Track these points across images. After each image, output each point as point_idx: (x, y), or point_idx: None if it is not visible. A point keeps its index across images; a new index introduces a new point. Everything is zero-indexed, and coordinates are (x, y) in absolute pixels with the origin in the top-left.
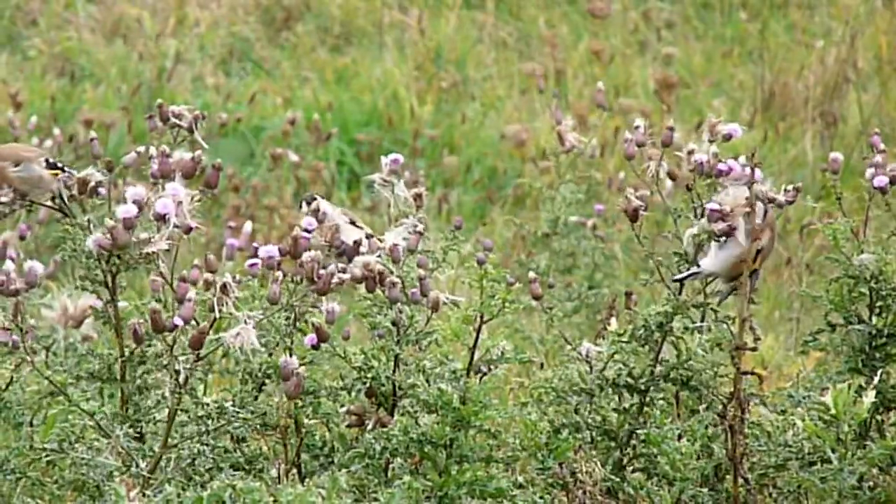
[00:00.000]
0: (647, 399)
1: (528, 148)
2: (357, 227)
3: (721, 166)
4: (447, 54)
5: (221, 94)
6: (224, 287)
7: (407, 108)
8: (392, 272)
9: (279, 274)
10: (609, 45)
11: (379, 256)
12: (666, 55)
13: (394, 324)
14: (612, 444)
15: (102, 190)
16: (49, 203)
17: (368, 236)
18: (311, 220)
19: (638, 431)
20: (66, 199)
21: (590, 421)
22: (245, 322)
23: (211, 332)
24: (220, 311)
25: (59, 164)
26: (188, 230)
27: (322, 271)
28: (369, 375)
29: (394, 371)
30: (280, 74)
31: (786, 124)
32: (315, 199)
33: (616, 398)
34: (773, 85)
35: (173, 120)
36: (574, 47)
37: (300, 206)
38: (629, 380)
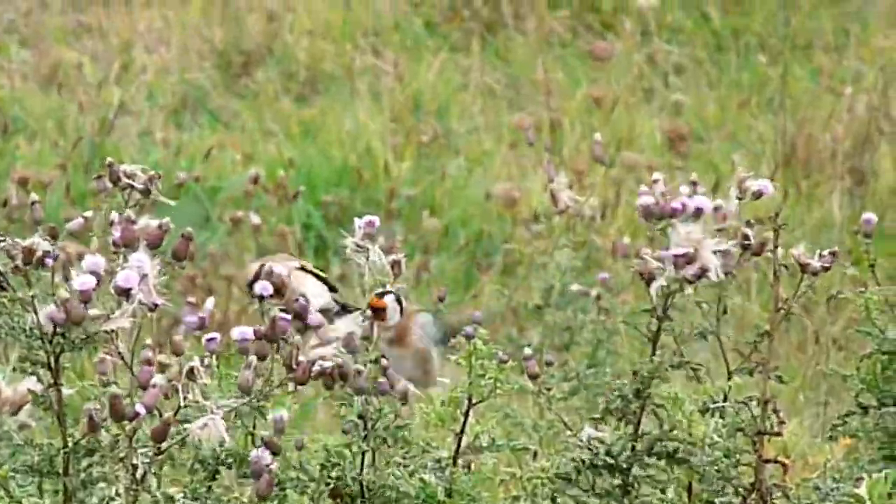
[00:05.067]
0: (631, 479)
1: (518, 209)
2: (313, 273)
3: (675, 205)
4: (427, 103)
5: (172, 150)
6: (191, 371)
7: (382, 165)
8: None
9: (253, 359)
10: (611, 92)
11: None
12: (675, 103)
13: (360, 417)
14: None
15: (50, 260)
16: None
17: (332, 289)
18: (266, 285)
19: None
20: (2, 271)
21: None
22: (213, 412)
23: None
24: (185, 398)
25: None
26: (153, 307)
27: (301, 359)
28: (333, 475)
29: (361, 470)
30: (239, 127)
31: (810, 181)
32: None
33: (588, 480)
34: (795, 137)
35: (125, 181)
36: (571, 95)
37: (250, 287)
38: (608, 459)
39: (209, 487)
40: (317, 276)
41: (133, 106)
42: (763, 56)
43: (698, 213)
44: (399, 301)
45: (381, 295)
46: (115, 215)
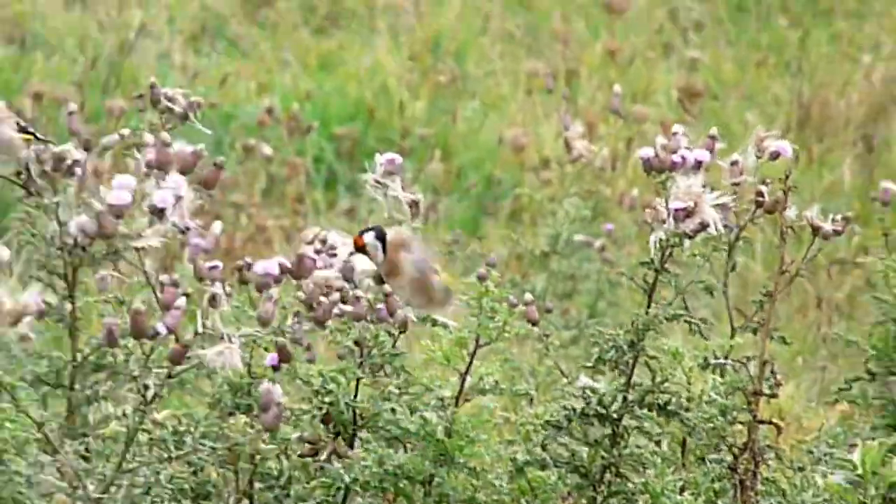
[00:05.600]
0: (621, 429)
1: (528, 155)
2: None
3: (675, 158)
4: (446, 44)
5: (189, 75)
6: (213, 298)
7: (397, 103)
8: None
9: (274, 291)
10: (629, 46)
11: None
12: (691, 59)
13: (357, 343)
14: (584, 481)
15: (79, 170)
16: (12, 177)
17: None
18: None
19: (612, 466)
20: (34, 175)
21: (557, 457)
22: (231, 340)
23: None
24: (204, 324)
25: (31, 130)
26: (185, 230)
27: (323, 299)
28: (326, 400)
29: (354, 396)
30: (256, 56)
31: (823, 146)
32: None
33: (582, 430)
34: (810, 101)
35: (165, 103)
36: (590, 45)
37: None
38: (599, 408)
39: (221, 427)
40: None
41: (153, 28)
42: (784, 18)
43: (698, 165)
44: (382, 237)
45: (363, 233)
46: (148, 136)
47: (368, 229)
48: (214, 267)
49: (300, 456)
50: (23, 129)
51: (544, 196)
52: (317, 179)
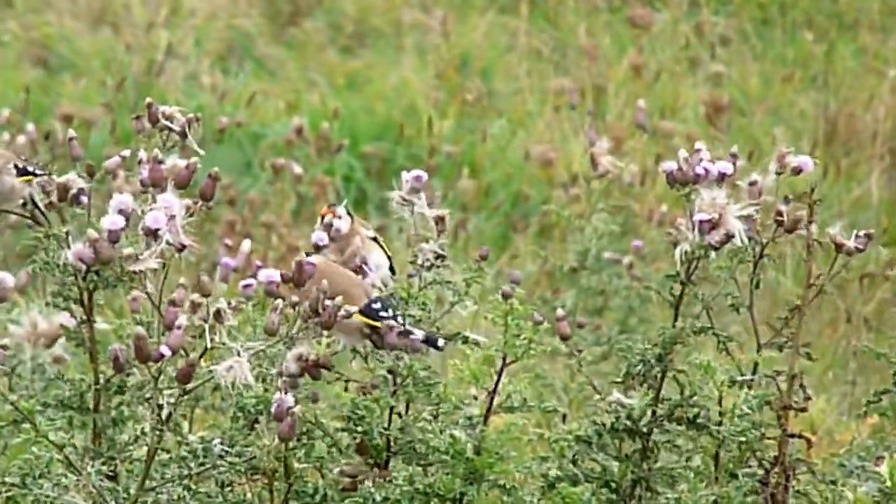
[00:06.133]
0: (651, 444)
1: (556, 171)
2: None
3: (698, 170)
4: (473, 62)
5: (217, 95)
6: (218, 313)
7: (425, 121)
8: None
9: (279, 302)
10: (655, 61)
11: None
12: (716, 74)
13: (390, 372)
14: (615, 496)
15: (84, 198)
16: (19, 210)
17: (391, 269)
18: (322, 236)
19: (643, 480)
20: (39, 205)
21: (588, 472)
22: (239, 354)
23: (200, 363)
24: (212, 340)
25: (31, 169)
26: (181, 248)
27: (328, 303)
28: (360, 429)
29: (388, 425)
30: (284, 76)
31: (850, 160)
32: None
33: (615, 445)
34: (837, 115)
35: (164, 122)
36: (617, 61)
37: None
38: (628, 423)
39: (246, 436)
40: (387, 254)
41: (180, 49)
42: (809, 32)
43: (722, 178)
44: (350, 214)
45: (332, 206)
46: (142, 154)
47: (334, 204)
48: (249, 285)
49: (342, 490)
50: (22, 172)
51: (573, 212)
52: (347, 198)
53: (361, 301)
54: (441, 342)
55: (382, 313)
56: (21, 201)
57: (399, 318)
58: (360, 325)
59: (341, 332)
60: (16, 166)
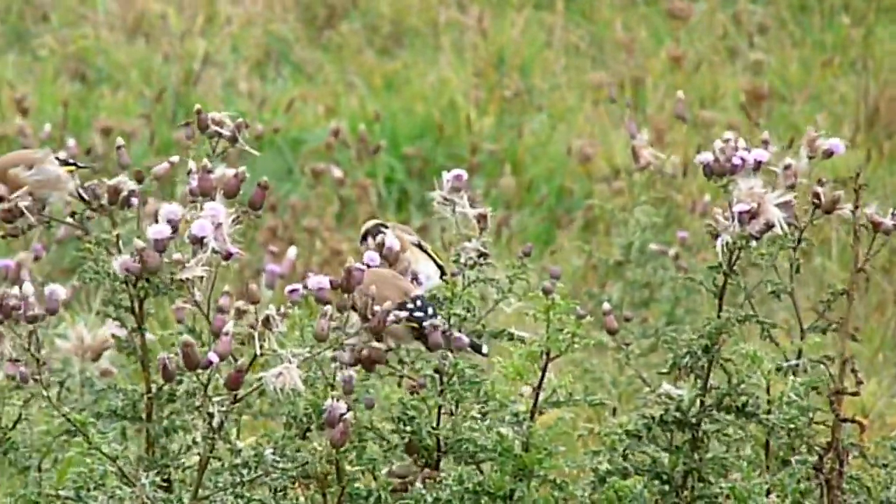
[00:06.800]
0: (701, 434)
1: (597, 165)
2: (428, 255)
3: (734, 160)
4: (511, 59)
5: (255, 101)
6: (267, 320)
7: (464, 120)
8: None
9: (328, 308)
10: (694, 52)
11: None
12: (756, 62)
13: (436, 371)
14: (667, 487)
15: (135, 200)
16: (69, 220)
17: (442, 273)
18: (374, 256)
19: (694, 471)
20: (84, 196)
21: (638, 465)
22: (289, 361)
23: (249, 370)
24: (261, 347)
25: (72, 161)
26: (227, 256)
27: (377, 308)
28: (408, 429)
29: (437, 424)
30: (322, 79)
31: (892, 143)
32: (381, 231)
33: (666, 437)
34: (878, 99)
35: (213, 128)
36: (654, 53)
37: (363, 240)
38: (677, 414)
39: (298, 443)
40: (436, 261)
41: (217, 57)
42: (847, 17)
43: (758, 166)
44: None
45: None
46: (191, 164)
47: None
48: (295, 290)
49: (393, 491)
50: (64, 162)
51: (616, 206)
52: (388, 200)
53: (396, 303)
54: (485, 349)
55: (418, 314)
56: (68, 207)
57: (439, 317)
58: (400, 329)
59: (388, 335)
60: (57, 158)
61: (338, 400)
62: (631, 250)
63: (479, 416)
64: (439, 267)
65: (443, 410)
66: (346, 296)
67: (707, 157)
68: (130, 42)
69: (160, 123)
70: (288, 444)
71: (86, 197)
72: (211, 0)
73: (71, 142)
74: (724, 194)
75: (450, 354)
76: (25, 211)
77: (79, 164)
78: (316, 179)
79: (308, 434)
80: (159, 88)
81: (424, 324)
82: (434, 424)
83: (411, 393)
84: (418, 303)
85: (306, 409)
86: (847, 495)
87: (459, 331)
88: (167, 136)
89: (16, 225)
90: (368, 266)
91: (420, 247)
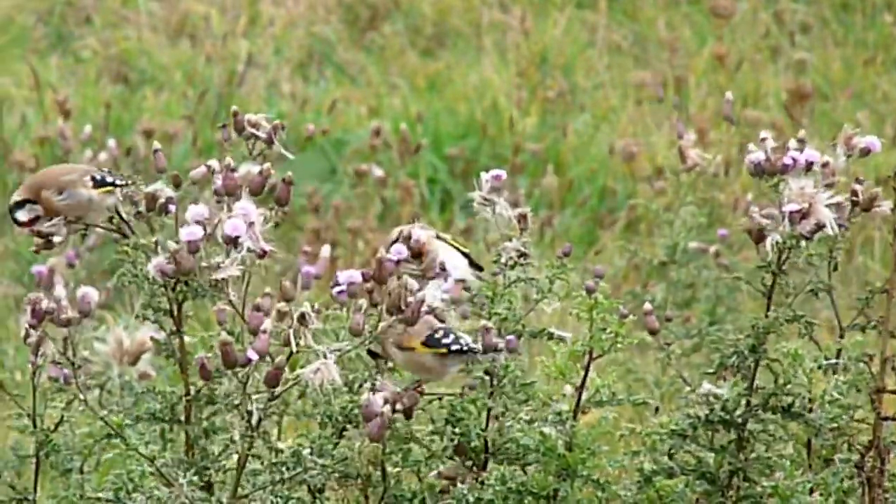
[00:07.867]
0: (746, 434)
1: (640, 165)
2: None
3: (785, 160)
4: (554, 59)
5: (298, 103)
6: (302, 317)
7: (507, 120)
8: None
9: (362, 302)
10: (736, 51)
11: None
12: (799, 61)
13: (487, 373)
14: (712, 487)
15: (173, 207)
16: (105, 224)
17: (478, 267)
18: (401, 248)
19: (740, 471)
20: (123, 216)
21: (683, 464)
22: (326, 357)
23: (287, 368)
24: (297, 344)
25: (109, 179)
26: (262, 254)
27: (411, 298)
28: (458, 431)
29: (486, 426)
30: (365, 80)
31: None
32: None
33: (707, 436)
34: None
35: (250, 130)
36: (697, 52)
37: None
38: (723, 414)
39: (335, 444)
40: (461, 251)
41: (260, 58)
42: (889, 15)
43: (809, 166)
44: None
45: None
46: (214, 163)
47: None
48: (343, 291)
49: (441, 492)
50: (100, 183)
51: (659, 206)
52: (431, 200)
53: (423, 335)
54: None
55: (445, 340)
56: (107, 214)
57: (462, 343)
58: (429, 359)
59: (416, 370)
60: (93, 178)
61: (374, 395)
62: (675, 251)
63: (526, 418)
64: (465, 255)
65: (492, 413)
66: (379, 287)
67: (758, 156)
68: (173, 44)
69: (203, 125)
70: (325, 443)
71: (122, 214)
72: (254, 1)
73: (111, 142)
74: (774, 194)
75: (500, 357)
76: (54, 241)
77: (117, 182)
78: (358, 180)
79: (344, 433)
80: (202, 90)
81: (480, 324)
82: (483, 426)
83: (460, 395)
84: (439, 333)
85: (343, 407)
86: (889, 493)
87: (500, 331)
88: (210, 137)
89: (49, 241)
90: (398, 262)
91: (440, 238)
